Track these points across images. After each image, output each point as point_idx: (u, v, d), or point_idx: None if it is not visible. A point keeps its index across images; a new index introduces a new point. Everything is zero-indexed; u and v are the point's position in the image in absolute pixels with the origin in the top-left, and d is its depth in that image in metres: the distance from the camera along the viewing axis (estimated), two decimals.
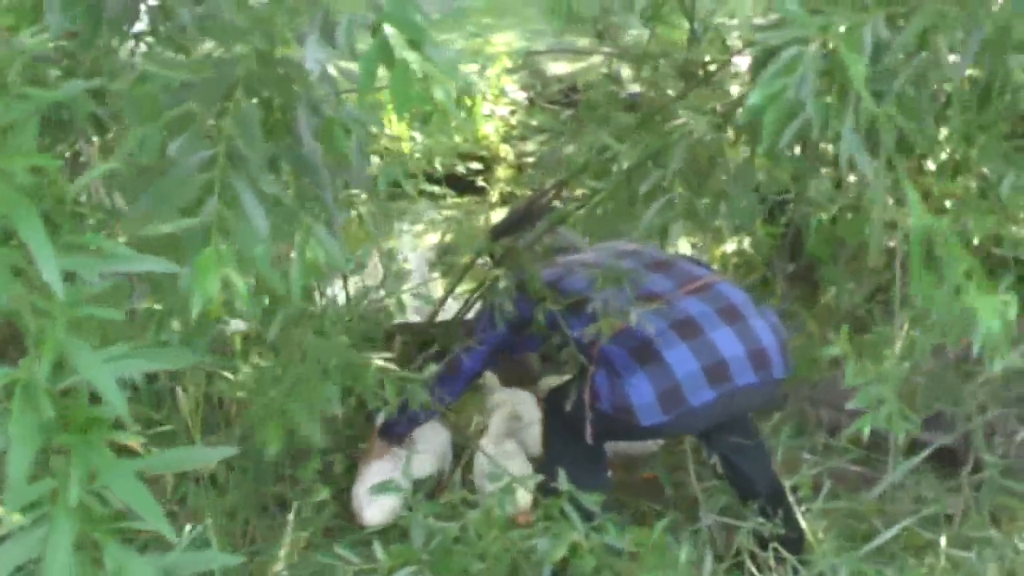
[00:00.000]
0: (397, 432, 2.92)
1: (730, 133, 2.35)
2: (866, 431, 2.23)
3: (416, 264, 5.03)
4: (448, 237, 5.20)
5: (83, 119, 2.17)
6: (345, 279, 3.16)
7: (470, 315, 3.31)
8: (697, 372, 2.47)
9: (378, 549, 2.03)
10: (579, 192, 2.68)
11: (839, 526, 2.81)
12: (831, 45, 1.66)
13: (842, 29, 1.68)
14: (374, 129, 4.02)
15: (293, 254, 1.75)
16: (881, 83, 1.87)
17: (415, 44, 1.52)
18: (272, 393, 2.40)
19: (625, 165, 2.31)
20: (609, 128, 2.40)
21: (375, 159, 1.95)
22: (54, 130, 2.63)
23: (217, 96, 1.62)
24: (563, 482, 2.19)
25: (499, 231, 3.10)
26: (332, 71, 1.69)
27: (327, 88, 1.74)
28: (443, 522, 2.07)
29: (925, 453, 3.00)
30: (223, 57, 2.02)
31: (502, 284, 2.61)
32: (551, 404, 2.80)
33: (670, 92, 2.63)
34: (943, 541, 2.66)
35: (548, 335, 2.61)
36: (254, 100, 1.72)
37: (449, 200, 5.58)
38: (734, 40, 2.63)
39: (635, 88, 3.09)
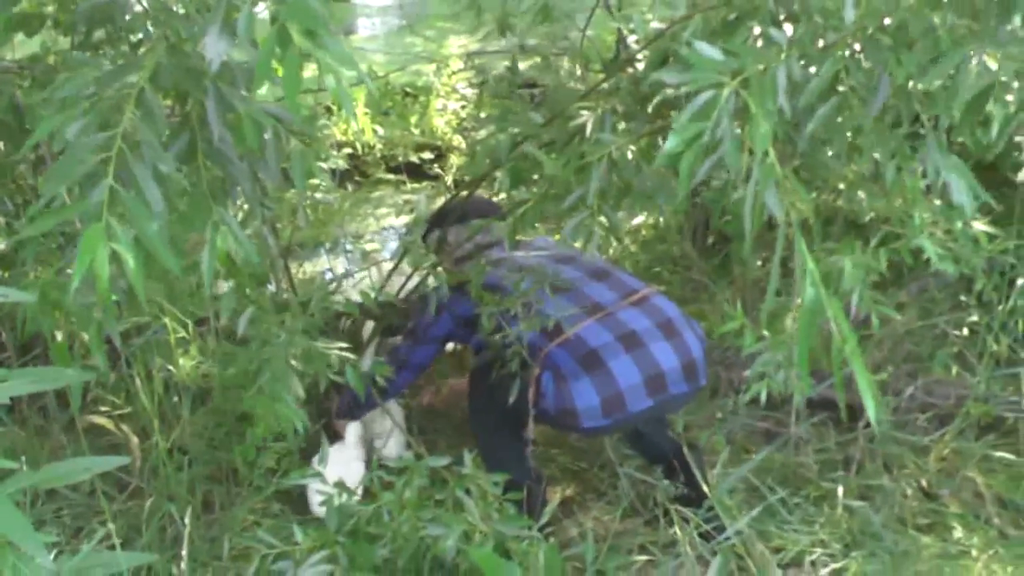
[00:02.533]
0: (357, 415, 2.77)
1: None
2: (763, 394, 2.13)
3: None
4: (411, 218, 5.07)
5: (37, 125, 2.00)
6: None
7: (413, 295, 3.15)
8: (638, 382, 2.37)
9: (297, 532, 1.88)
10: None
11: (749, 479, 2.69)
12: (742, 89, 1.53)
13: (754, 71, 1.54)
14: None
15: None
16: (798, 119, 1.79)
17: (312, 34, 1.35)
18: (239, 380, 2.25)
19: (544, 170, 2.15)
20: (519, 127, 2.25)
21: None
22: (16, 136, 2.46)
23: (119, 81, 1.45)
24: (468, 466, 2.05)
25: (432, 224, 2.93)
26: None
27: (238, 80, 1.58)
28: (359, 504, 1.92)
29: None
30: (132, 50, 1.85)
31: (437, 285, 2.45)
32: (474, 385, 2.66)
33: (578, 86, 2.46)
34: (840, 491, 2.56)
35: (491, 333, 2.44)
36: (164, 91, 1.56)
37: (409, 186, 5.45)
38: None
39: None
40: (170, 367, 2.37)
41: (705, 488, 2.46)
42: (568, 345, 2.40)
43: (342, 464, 2.55)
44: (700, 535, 2.38)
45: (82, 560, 1.27)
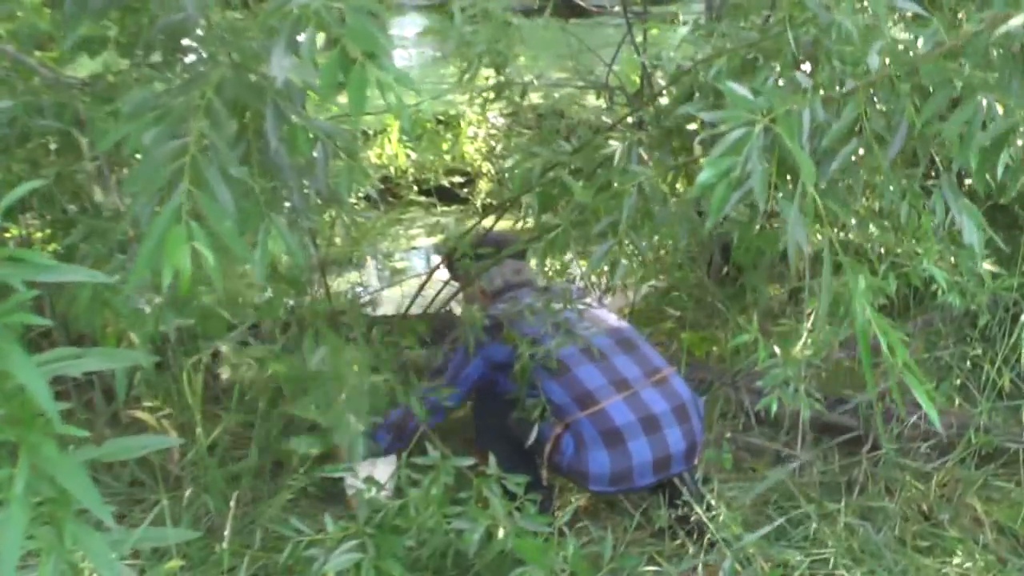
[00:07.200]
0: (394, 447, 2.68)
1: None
2: (774, 406, 2.18)
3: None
4: (439, 239, 5.15)
5: (100, 137, 2.07)
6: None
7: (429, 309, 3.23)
8: (648, 462, 2.46)
9: (328, 521, 1.93)
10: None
11: (755, 497, 2.72)
12: (773, 127, 1.58)
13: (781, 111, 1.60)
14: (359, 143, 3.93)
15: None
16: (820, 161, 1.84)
17: (372, 56, 1.42)
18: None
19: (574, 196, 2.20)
20: (549, 155, 2.30)
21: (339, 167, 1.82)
22: (78, 147, 2.54)
23: (189, 92, 1.52)
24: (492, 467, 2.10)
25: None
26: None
27: (294, 97, 1.64)
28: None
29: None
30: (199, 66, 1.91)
31: (476, 326, 2.49)
32: (483, 406, 2.73)
33: (604, 119, 2.52)
34: (842, 511, 2.58)
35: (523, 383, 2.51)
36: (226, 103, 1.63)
37: (439, 208, 5.52)
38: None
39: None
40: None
41: (698, 509, 2.50)
42: (594, 416, 2.46)
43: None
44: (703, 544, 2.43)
45: (138, 534, 1.33)
